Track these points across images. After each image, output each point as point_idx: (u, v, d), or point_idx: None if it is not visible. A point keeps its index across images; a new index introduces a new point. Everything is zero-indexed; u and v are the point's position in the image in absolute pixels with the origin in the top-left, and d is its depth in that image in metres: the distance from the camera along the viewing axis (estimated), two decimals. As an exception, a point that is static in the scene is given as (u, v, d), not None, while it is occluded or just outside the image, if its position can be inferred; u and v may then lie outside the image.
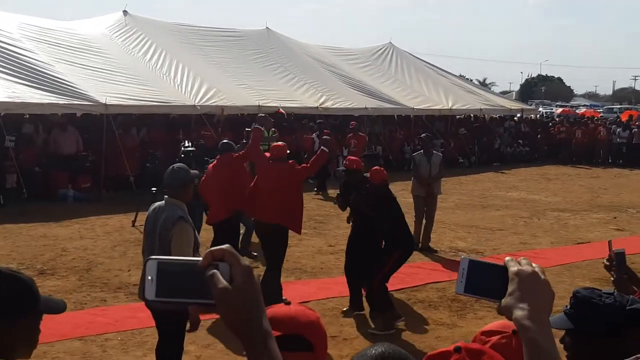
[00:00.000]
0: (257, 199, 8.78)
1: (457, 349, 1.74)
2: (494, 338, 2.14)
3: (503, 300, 1.48)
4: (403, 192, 19.67)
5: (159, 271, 1.33)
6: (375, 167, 8.87)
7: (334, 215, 15.14)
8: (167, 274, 1.33)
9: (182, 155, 11.49)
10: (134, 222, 13.66)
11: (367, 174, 8.75)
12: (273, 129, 16.10)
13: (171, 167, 5.87)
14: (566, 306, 2.59)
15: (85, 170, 17.70)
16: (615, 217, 16.29)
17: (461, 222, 15.21)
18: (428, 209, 12.68)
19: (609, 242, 3.92)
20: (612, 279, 3.80)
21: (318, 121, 20.09)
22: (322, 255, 11.69)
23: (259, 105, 20.97)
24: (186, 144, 11.97)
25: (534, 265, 1.51)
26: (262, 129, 9.75)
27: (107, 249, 11.84)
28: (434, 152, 13.04)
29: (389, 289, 9.64)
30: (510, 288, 1.48)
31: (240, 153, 9.67)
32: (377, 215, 8.36)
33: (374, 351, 1.67)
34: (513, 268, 1.49)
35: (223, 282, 1.32)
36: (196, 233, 5.74)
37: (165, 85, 20.19)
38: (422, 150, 12.97)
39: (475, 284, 1.51)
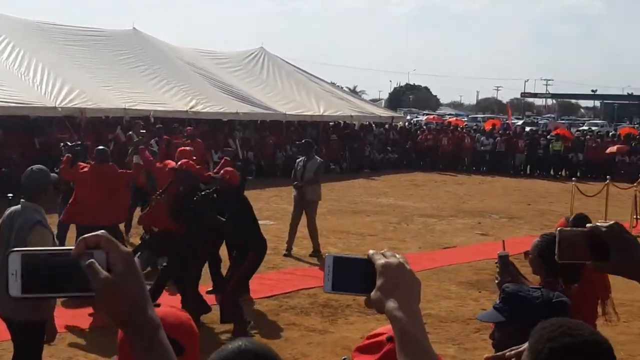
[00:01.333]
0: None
1: (390, 338, 1.75)
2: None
3: (372, 293, 1.48)
4: (275, 199, 19.84)
5: (24, 264, 1.25)
6: (231, 169, 8.95)
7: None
8: (34, 267, 1.25)
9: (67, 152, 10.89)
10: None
11: (224, 176, 8.71)
12: (143, 132, 15.68)
13: (29, 168, 5.60)
14: (496, 301, 2.82)
15: None
16: (479, 222, 16.99)
17: (332, 227, 15.38)
18: (307, 215, 12.82)
19: (502, 242, 4.14)
20: (496, 281, 3.98)
21: (157, 126, 19.61)
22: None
23: (124, 108, 20.46)
24: (71, 142, 11.54)
25: (397, 256, 1.53)
26: (132, 133, 10.09)
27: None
28: (315, 157, 13.16)
29: (258, 296, 9.64)
30: (378, 281, 1.48)
31: (127, 172, 10.11)
32: (227, 218, 8.42)
33: (231, 346, 1.67)
34: (380, 261, 1.50)
35: (102, 271, 1.26)
36: (55, 239, 5.49)
37: (23, 85, 19.31)
38: (304, 156, 13.11)
39: (342, 281, 1.51)
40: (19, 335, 5.58)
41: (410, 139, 32.38)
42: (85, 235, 1.29)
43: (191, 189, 8.67)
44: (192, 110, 23.14)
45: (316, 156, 13.38)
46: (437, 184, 25.59)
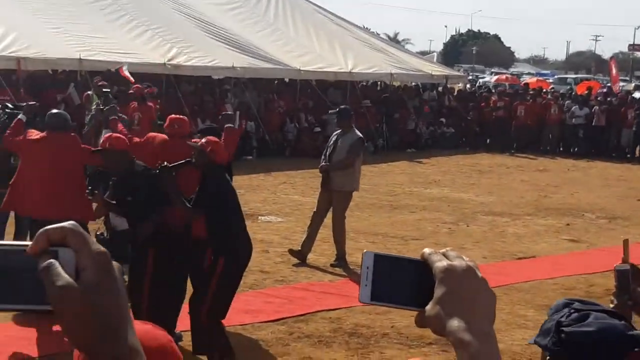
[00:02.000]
0: None
1: None
2: None
3: (429, 307, 1.47)
4: (283, 187, 19.85)
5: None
6: (215, 139, 8.87)
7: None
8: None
9: (6, 120, 11.03)
10: None
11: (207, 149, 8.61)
12: (103, 95, 15.59)
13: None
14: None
15: None
16: (568, 224, 16.93)
17: (363, 227, 15.40)
18: (333, 210, 12.97)
19: (624, 243, 3.82)
20: (611, 305, 3.85)
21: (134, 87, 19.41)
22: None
23: (79, 59, 20.53)
24: (9, 106, 11.64)
25: (465, 258, 1.51)
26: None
27: None
28: (353, 131, 13.20)
29: (259, 320, 9.68)
30: (437, 291, 1.46)
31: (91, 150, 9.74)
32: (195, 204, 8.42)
33: None
34: (440, 264, 1.48)
35: (64, 276, 1.22)
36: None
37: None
38: (340, 128, 13.21)
39: (385, 288, 1.49)
40: None
41: (473, 107, 32.27)
42: (48, 227, 1.26)
43: (124, 171, 8.68)
44: (172, 63, 23.21)
45: (355, 129, 13.38)
46: (509, 171, 25.52)
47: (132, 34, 23.98)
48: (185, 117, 10.22)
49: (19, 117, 10.26)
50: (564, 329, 2.86)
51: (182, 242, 8.74)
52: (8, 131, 9.94)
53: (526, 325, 10.21)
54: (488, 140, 31.19)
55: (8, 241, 1.29)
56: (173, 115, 10.22)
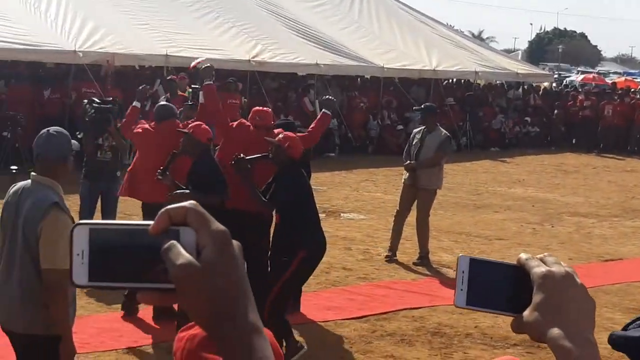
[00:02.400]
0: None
1: None
2: None
3: (527, 313, 1.46)
4: (366, 184, 19.87)
5: (92, 243, 1.27)
6: (293, 135, 8.93)
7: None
8: (102, 247, 1.27)
9: (93, 114, 11.25)
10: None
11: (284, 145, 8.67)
12: (190, 90, 15.84)
13: (45, 131, 5.73)
14: None
15: None
16: (656, 226, 16.67)
17: (446, 227, 15.36)
18: (418, 208, 12.97)
19: None
20: None
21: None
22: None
23: (166, 55, 20.79)
24: (96, 100, 11.82)
25: (563, 264, 1.51)
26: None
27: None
28: (438, 129, 13.21)
29: (342, 316, 9.69)
30: (536, 297, 1.46)
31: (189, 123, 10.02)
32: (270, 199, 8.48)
33: None
34: (538, 269, 1.48)
35: (185, 255, 1.25)
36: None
37: (34, 21, 19.86)
38: (423, 125, 13.19)
39: (481, 293, 1.50)
40: (26, 354, 5.75)
41: (559, 106, 31.92)
42: (169, 207, 1.29)
43: (198, 158, 8.82)
44: (256, 59, 23.36)
45: (440, 127, 13.36)
46: (595, 171, 25.19)
47: (217, 30, 24.19)
48: (269, 109, 10.25)
49: (134, 104, 10.82)
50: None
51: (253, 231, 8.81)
52: (125, 119, 10.52)
53: (613, 328, 9.98)
54: (574, 140, 30.80)
55: (131, 221, 1.32)
56: (257, 107, 10.35)
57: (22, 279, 5.46)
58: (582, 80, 48.93)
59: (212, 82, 10.16)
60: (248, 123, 9.80)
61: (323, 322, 9.67)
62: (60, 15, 20.38)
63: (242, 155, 8.84)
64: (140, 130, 10.07)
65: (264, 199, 8.50)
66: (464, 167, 23.91)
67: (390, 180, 19.62)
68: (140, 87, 12.14)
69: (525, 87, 33.73)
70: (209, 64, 11.00)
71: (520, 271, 1.49)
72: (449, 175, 21.52)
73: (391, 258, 12.65)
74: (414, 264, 12.57)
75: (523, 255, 1.51)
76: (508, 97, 32.16)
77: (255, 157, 8.93)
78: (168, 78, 18.08)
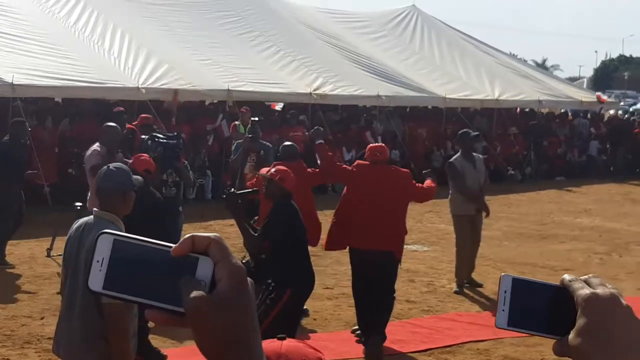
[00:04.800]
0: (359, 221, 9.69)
1: None
2: None
3: (572, 337, 1.42)
4: (429, 216, 19.73)
5: (114, 252, 1.31)
6: (284, 168, 9.03)
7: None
8: (122, 258, 1.31)
9: (161, 151, 11.38)
10: (49, 250, 13.58)
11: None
12: (250, 123, 16.00)
13: (106, 167, 5.82)
14: None
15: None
16: None
17: (511, 257, 15.21)
18: (475, 231, 13.03)
19: None
20: None
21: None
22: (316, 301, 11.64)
23: (228, 89, 20.96)
24: (159, 136, 11.92)
25: (609, 285, 1.46)
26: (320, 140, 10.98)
27: (12, 288, 11.73)
28: (475, 154, 13.42)
29: (406, 349, 9.63)
30: (580, 320, 1.42)
31: (315, 170, 11.05)
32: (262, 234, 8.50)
33: None
34: (582, 291, 1.44)
35: (198, 290, 1.29)
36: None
37: (97, 58, 20.17)
38: (460, 153, 13.21)
39: (523, 314, 1.47)
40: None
41: (625, 134, 31.54)
42: (195, 234, 1.33)
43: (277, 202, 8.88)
44: (318, 92, 23.44)
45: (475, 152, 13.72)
46: (664, 199, 24.79)
47: (279, 64, 24.34)
48: (384, 145, 10.80)
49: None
50: None
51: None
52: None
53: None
54: (641, 168, 30.45)
55: (157, 241, 1.35)
56: (373, 144, 10.83)
57: (84, 313, 5.51)
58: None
59: (323, 141, 10.91)
60: (364, 162, 10.07)
61: (387, 355, 9.61)
62: (123, 52, 20.67)
63: (233, 189, 9.07)
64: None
65: (253, 233, 8.47)
66: (529, 197, 23.76)
67: (454, 211, 19.51)
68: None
69: (590, 115, 33.42)
70: (320, 128, 11.80)
71: (564, 292, 1.46)
72: (514, 206, 21.41)
73: (461, 290, 12.70)
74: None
75: (567, 277, 1.48)
76: (574, 124, 31.84)
77: (246, 192, 9.26)
78: (243, 108, 18.29)
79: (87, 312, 5.50)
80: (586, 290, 1.44)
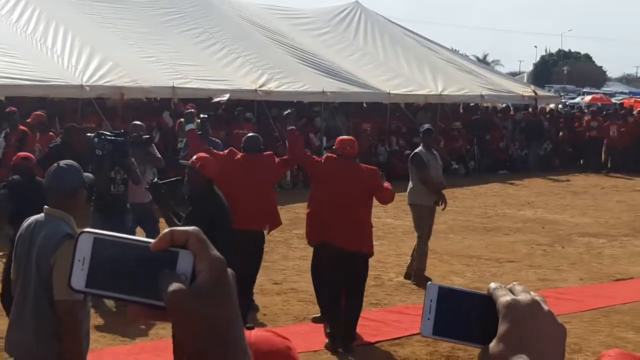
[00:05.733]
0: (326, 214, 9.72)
1: None
2: None
3: (492, 344, 1.43)
4: (375, 210, 19.71)
5: (94, 251, 1.33)
6: (204, 154, 9.29)
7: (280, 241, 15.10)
8: (103, 257, 1.33)
9: (110, 148, 11.31)
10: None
11: None
12: (198, 121, 15.96)
13: (55, 164, 5.78)
14: None
15: None
16: (666, 245, 16.62)
17: (457, 250, 15.36)
18: (430, 222, 13.27)
19: None
20: None
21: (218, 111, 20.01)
22: (265, 297, 11.67)
23: (173, 87, 20.89)
24: (107, 133, 11.93)
25: (532, 293, 1.47)
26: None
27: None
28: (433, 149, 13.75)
29: (358, 342, 9.69)
30: (501, 327, 1.42)
31: (282, 158, 11.07)
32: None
33: None
34: (504, 298, 1.44)
35: (177, 283, 1.29)
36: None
37: (40, 56, 19.98)
38: (422, 146, 13.50)
39: (448, 322, 1.47)
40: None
41: (565, 127, 31.92)
42: (174, 228, 1.33)
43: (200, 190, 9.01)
44: (263, 89, 23.43)
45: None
46: (604, 191, 25.14)
47: (223, 61, 24.29)
48: (354, 139, 10.54)
49: (189, 126, 11.26)
50: None
51: None
52: (191, 145, 10.90)
53: (627, 347, 10.00)
54: (581, 161, 30.80)
55: (137, 237, 1.37)
56: (343, 137, 10.72)
57: (36, 311, 5.48)
58: (588, 101, 49.02)
59: (294, 127, 10.87)
60: (332, 155, 10.01)
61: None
62: (66, 49, 20.50)
63: (157, 179, 9.42)
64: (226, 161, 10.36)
65: (177, 222, 8.52)
66: (473, 190, 23.94)
67: (399, 205, 19.53)
68: (189, 110, 12.49)
69: (530, 109, 33.78)
70: (291, 111, 11.60)
71: (489, 301, 1.46)
72: (459, 199, 21.56)
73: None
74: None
75: (492, 285, 1.48)
76: (515, 119, 32.12)
77: (169, 181, 9.34)
78: (189, 105, 18.18)
79: (40, 310, 5.47)
80: (507, 298, 1.43)
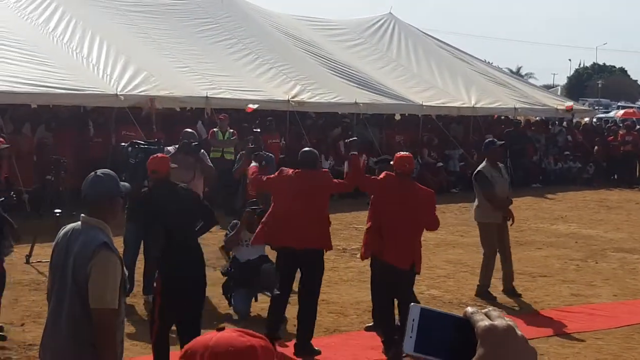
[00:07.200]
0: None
1: None
2: None
3: None
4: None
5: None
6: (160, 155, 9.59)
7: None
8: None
9: (142, 157, 11.36)
10: (28, 257, 13.50)
11: None
12: (231, 131, 16.13)
13: (92, 173, 5.83)
14: None
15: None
16: (702, 261, 16.45)
17: (489, 264, 15.27)
18: (503, 239, 13.19)
19: None
20: None
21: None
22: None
23: (206, 97, 20.99)
24: (140, 143, 11.96)
25: (506, 318, 1.58)
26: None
27: (-9, 294, 11.71)
28: (498, 163, 13.54)
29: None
30: (480, 350, 1.53)
31: (341, 181, 10.83)
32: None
33: None
34: (482, 323, 1.55)
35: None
36: (124, 268, 5.69)
37: (75, 65, 20.13)
38: (486, 161, 13.31)
39: (429, 342, 1.60)
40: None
41: (600, 142, 31.72)
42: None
43: None
44: (296, 100, 23.47)
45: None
46: (638, 206, 24.93)
47: (256, 72, 24.36)
48: (411, 156, 10.61)
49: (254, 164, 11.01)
50: None
51: None
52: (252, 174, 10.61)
53: (661, 365, 9.95)
54: (616, 176, 30.59)
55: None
56: (401, 154, 10.53)
57: (72, 319, 5.52)
58: (622, 115, 48.67)
59: (356, 153, 10.71)
60: (391, 174, 10.08)
61: (367, 361, 9.65)
62: (102, 59, 20.64)
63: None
64: (275, 177, 10.25)
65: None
66: (505, 204, 23.84)
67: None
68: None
69: (565, 123, 33.61)
70: (356, 139, 11.73)
71: (467, 323, 1.59)
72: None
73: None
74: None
75: (469, 309, 1.60)
76: (551, 133, 31.96)
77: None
78: (222, 115, 18.23)
79: (75, 318, 5.51)
80: (485, 322, 1.55)
